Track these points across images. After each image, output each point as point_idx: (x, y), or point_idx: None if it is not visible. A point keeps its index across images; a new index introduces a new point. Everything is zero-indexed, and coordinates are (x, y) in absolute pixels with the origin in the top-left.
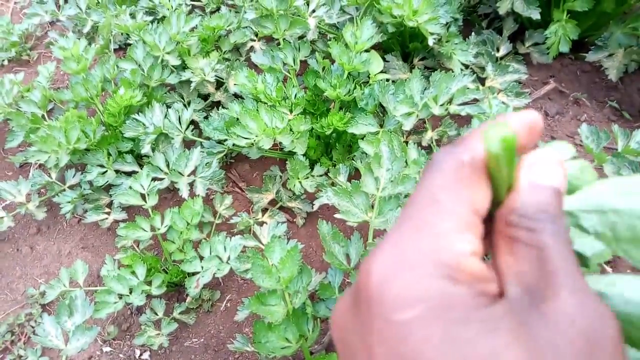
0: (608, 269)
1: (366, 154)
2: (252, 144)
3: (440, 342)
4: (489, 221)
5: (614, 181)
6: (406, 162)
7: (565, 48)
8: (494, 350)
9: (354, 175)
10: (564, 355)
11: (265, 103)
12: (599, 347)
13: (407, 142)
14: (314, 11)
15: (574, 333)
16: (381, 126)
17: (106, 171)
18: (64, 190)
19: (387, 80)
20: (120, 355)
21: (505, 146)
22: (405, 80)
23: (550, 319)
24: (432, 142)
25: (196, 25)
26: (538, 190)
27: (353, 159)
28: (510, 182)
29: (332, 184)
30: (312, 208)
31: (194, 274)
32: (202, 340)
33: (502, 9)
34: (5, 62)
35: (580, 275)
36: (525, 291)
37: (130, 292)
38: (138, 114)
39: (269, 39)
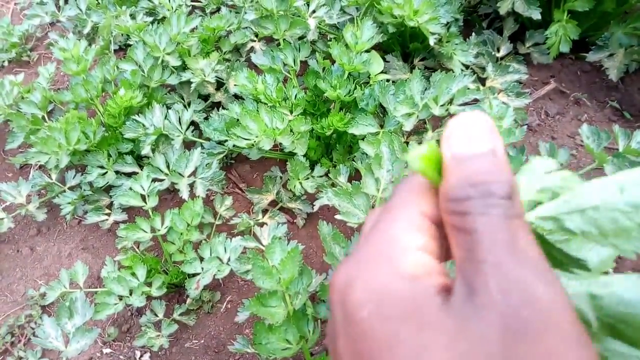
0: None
1: (367, 154)
2: (253, 144)
3: (384, 339)
4: None
5: (592, 182)
6: (407, 162)
7: (565, 48)
8: (422, 349)
9: (355, 176)
10: (492, 355)
11: (265, 104)
12: (526, 338)
13: (407, 143)
14: (314, 12)
15: (501, 327)
16: (381, 127)
17: (106, 172)
18: (64, 191)
19: (388, 80)
20: (121, 357)
21: (427, 162)
22: (406, 80)
23: (480, 313)
24: None
25: (196, 26)
26: (462, 162)
27: (353, 160)
28: None
29: (333, 185)
30: (313, 209)
31: (194, 275)
32: (203, 341)
33: (503, 9)
34: (6, 63)
35: (511, 257)
36: (463, 280)
37: (131, 294)
38: (138, 115)
39: (269, 40)
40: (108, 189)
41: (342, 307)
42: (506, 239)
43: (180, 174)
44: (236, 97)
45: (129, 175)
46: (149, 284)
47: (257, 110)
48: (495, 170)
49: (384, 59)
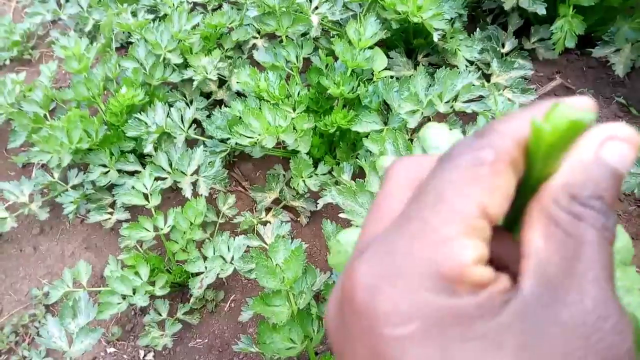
0: None
1: (370, 152)
2: (255, 142)
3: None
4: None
5: None
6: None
7: (571, 43)
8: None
9: (358, 173)
10: None
11: (268, 101)
12: (613, 357)
13: (412, 140)
14: (316, 8)
15: (588, 345)
16: (385, 124)
17: (109, 171)
18: (67, 190)
19: (391, 77)
20: (124, 356)
21: (570, 133)
22: (410, 77)
23: (565, 324)
24: None
25: (198, 23)
26: (602, 168)
27: (357, 157)
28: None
29: (336, 183)
30: (316, 207)
31: (197, 274)
32: (206, 340)
33: (507, 5)
34: (7, 62)
35: (609, 283)
36: (544, 284)
37: (134, 293)
38: (140, 113)
39: (271, 37)
40: (110, 187)
41: (367, 320)
42: (607, 265)
43: (182, 172)
44: (239, 94)
45: (132, 173)
46: (152, 283)
47: (260, 108)
48: (616, 197)
49: (388, 56)
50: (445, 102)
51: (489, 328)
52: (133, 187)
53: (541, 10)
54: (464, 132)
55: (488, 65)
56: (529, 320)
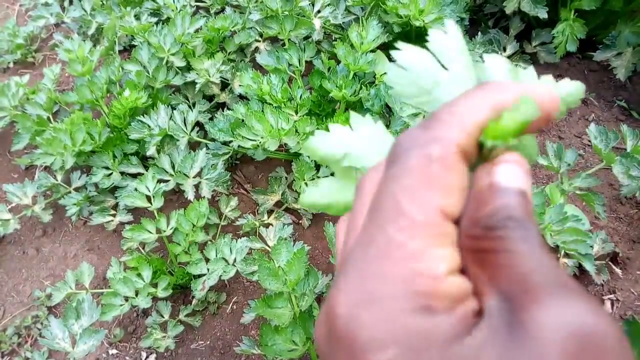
0: (617, 270)
1: None
2: (258, 145)
3: None
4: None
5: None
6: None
7: (572, 47)
8: None
9: None
10: None
11: (270, 104)
12: (597, 350)
13: None
14: (319, 12)
15: (563, 339)
16: (387, 127)
17: (111, 173)
18: (70, 192)
19: None
20: (127, 358)
21: (521, 128)
22: None
23: (534, 328)
24: None
25: (201, 26)
26: (501, 193)
27: None
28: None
29: None
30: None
31: (199, 276)
32: (209, 342)
33: (509, 8)
34: (11, 65)
35: (561, 272)
36: (501, 301)
37: (136, 295)
38: (143, 115)
39: (274, 40)
40: (113, 190)
41: (348, 349)
42: (552, 266)
43: (185, 174)
44: (241, 97)
45: (134, 176)
46: (155, 285)
47: (262, 111)
48: (529, 211)
49: (390, 59)
50: None
51: (465, 348)
52: (136, 190)
53: (542, 14)
54: None
55: None
56: (500, 337)
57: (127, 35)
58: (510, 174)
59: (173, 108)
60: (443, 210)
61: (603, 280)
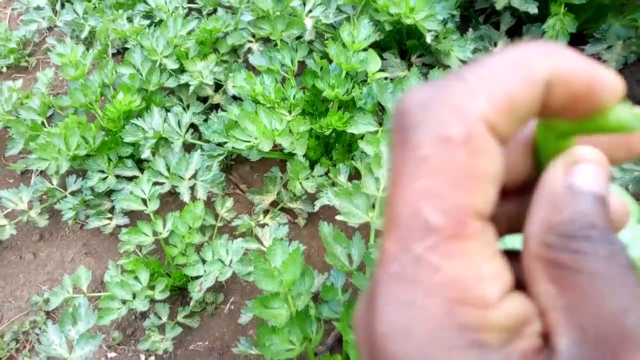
0: None
1: (366, 153)
2: (252, 146)
3: None
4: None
5: None
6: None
7: (563, 41)
8: None
9: (355, 174)
10: None
11: (264, 105)
12: None
13: None
14: (310, 11)
15: None
16: (380, 125)
17: (107, 177)
18: (66, 196)
19: (386, 78)
20: None
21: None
22: (404, 78)
23: None
24: None
25: (193, 28)
26: (580, 198)
27: (353, 159)
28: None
29: (333, 184)
30: (314, 209)
31: (197, 277)
32: (207, 343)
33: (499, 4)
34: (4, 69)
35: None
36: (583, 341)
37: (134, 298)
38: (137, 118)
39: (266, 40)
40: (109, 193)
41: None
42: (633, 292)
43: (180, 176)
44: (235, 98)
45: (130, 179)
46: (152, 288)
47: (256, 112)
48: (611, 222)
49: (381, 57)
50: None
51: None
52: (131, 193)
53: (533, 9)
54: None
55: None
56: None
57: (120, 38)
58: (591, 176)
59: (167, 110)
60: (478, 212)
61: None
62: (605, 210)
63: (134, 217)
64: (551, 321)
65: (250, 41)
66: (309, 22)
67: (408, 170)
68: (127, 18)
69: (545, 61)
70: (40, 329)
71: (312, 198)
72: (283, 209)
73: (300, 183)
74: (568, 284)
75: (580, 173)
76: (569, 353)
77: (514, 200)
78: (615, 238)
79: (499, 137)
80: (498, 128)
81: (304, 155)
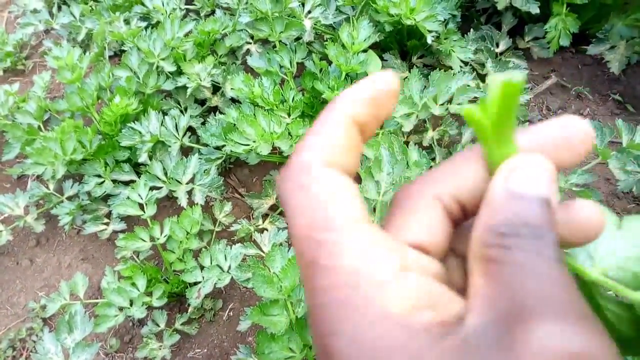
0: None
1: (366, 157)
2: (250, 149)
3: None
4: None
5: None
6: (407, 163)
7: (565, 42)
8: None
9: (354, 178)
10: None
11: (262, 107)
12: None
13: (407, 143)
14: (309, 12)
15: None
16: (381, 127)
17: (104, 181)
18: (62, 201)
19: None
20: None
21: (508, 97)
22: (404, 79)
23: (521, 354)
24: (433, 142)
25: (191, 30)
26: (517, 200)
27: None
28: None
29: None
30: None
31: (195, 283)
32: (205, 350)
33: (501, 4)
34: (1, 73)
35: (568, 294)
36: (493, 320)
37: (131, 304)
38: (134, 122)
39: (265, 42)
40: (106, 198)
41: None
42: (560, 281)
43: (178, 181)
44: (233, 100)
45: (127, 183)
46: (150, 294)
47: (254, 115)
48: (548, 220)
49: (382, 58)
50: (440, 105)
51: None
52: (128, 197)
53: (534, 9)
54: (459, 134)
55: (483, 65)
56: (474, 356)
57: (117, 41)
58: (529, 179)
59: (164, 113)
60: (353, 218)
61: None
62: (543, 210)
63: (131, 223)
64: (469, 305)
65: (248, 43)
66: (308, 23)
67: (289, 223)
68: (124, 20)
69: (342, 105)
70: (37, 336)
71: None
72: (282, 213)
73: None
74: (494, 275)
75: (517, 178)
76: (475, 328)
77: None
78: (548, 234)
79: (339, 164)
80: (333, 159)
81: None
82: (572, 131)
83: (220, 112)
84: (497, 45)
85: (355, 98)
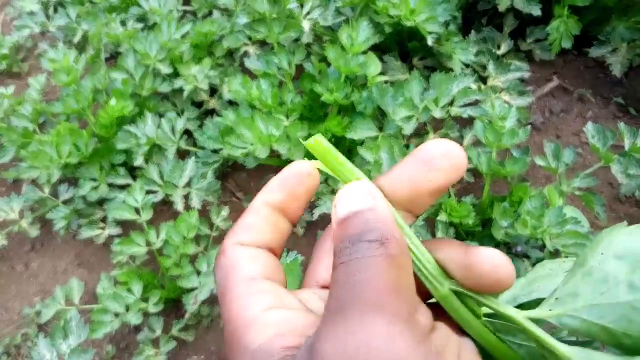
0: None
1: (366, 161)
2: (248, 153)
3: None
4: None
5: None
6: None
7: (567, 44)
8: None
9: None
10: None
11: (260, 110)
12: None
13: (407, 146)
14: (308, 13)
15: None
16: (381, 130)
17: (99, 185)
18: (57, 205)
19: (386, 82)
20: None
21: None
22: (405, 81)
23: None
24: None
25: (188, 31)
26: (344, 222)
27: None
28: None
29: (332, 192)
30: (312, 217)
31: (191, 289)
32: (202, 357)
33: (502, 6)
34: None
35: (355, 308)
36: (308, 340)
37: (127, 310)
38: (130, 124)
39: (263, 43)
40: (101, 202)
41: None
42: (355, 281)
43: (174, 184)
44: (231, 103)
45: (122, 187)
46: (146, 300)
47: (252, 117)
48: (372, 221)
49: (381, 60)
50: (441, 107)
51: None
52: (124, 202)
53: (536, 11)
54: (461, 137)
55: (484, 67)
56: None
57: (113, 43)
58: (342, 202)
59: (161, 116)
60: (247, 276)
61: None
62: (366, 217)
63: (127, 227)
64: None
65: (246, 44)
66: (306, 25)
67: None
68: (121, 22)
69: (261, 194)
70: (32, 342)
71: (310, 206)
72: None
73: None
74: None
75: (338, 207)
76: (304, 347)
77: None
78: (369, 234)
79: (253, 241)
80: (246, 239)
81: None
82: (431, 154)
83: (218, 115)
84: (499, 47)
85: (271, 186)
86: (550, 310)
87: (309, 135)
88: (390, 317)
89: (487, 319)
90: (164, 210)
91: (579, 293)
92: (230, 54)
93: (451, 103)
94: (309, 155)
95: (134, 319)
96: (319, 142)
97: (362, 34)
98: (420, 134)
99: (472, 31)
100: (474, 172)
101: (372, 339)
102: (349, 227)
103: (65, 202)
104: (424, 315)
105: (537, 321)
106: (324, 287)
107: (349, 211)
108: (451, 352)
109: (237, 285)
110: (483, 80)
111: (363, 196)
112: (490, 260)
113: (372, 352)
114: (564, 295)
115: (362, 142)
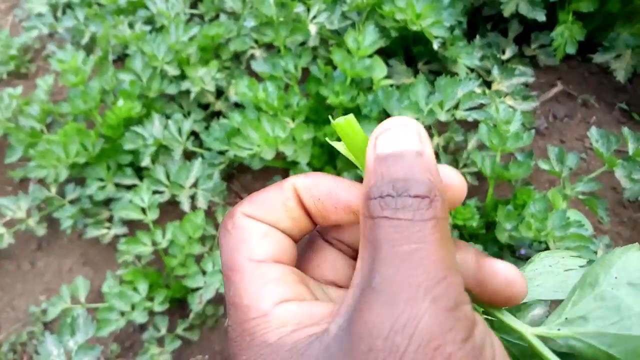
0: None
1: None
2: (254, 154)
3: None
4: None
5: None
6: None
7: (571, 49)
8: None
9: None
10: None
11: (266, 112)
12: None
13: None
14: (314, 17)
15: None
16: None
17: (106, 185)
18: (64, 205)
19: (391, 85)
20: None
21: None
22: (410, 85)
23: (355, 355)
24: (439, 149)
25: (195, 34)
26: (386, 161)
27: (357, 168)
28: None
29: None
30: None
31: (196, 289)
32: (207, 357)
33: (507, 11)
34: (4, 76)
35: (402, 284)
36: (346, 319)
37: (132, 309)
38: (137, 125)
39: (269, 46)
40: (108, 202)
41: None
42: (403, 253)
43: (180, 185)
44: (237, 105)
45: (129, 187)
46: (151, 299)
47: (258, 119)
48: (418, 170)
49: (387, 63)
50: (446, 111)
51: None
52: (130, 201)
53: (540, 16)
54: (465, 141)
55: (489, 72)
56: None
57: (120, 44)
58: (386, 137)
59: (168, 117)
60: (251, 259)
61: None
62: (412, 162)
63: (133, 227)
64: (338, 310)
65: (253, 47)
66: (313, 28)
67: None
68: (128, 24)
69: (294, 178)
70: (37, 339)
71: None
72: None
73: None
74: (362, 264)
75: (380, 142)
76: (333, 333)
77: None
78: (416, 185)
79: (263, 217)
80: (258, 213)
81: (308, 164)
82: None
83: (224, 117)
84: (503, 52)
85: (316, 179)
86: (559, 330)
87: (315, 138)
88: (442, 312)
89: (483, 316)
90: (169, 210)
91: (589, 318)
92: (236, 56)
93: (456, 107)
94: (315, 158)
95: (140, 317)
96: (350, 122)
97: (369, 37)
98: None
99: (477, 36)
100: (478, 175)
101: (422, 333)
102: (391, 168)
103: (72, 202)
104: (469, 305)
105: (542, 336)
106: (328, 283)
107: (392, 150)
108: (489, 349)
109: (245, 267)
110: (488, 84)
111: (411, 136)
112: (503, 276)
113: (417, 341)
114: (574, 317)
115: None
